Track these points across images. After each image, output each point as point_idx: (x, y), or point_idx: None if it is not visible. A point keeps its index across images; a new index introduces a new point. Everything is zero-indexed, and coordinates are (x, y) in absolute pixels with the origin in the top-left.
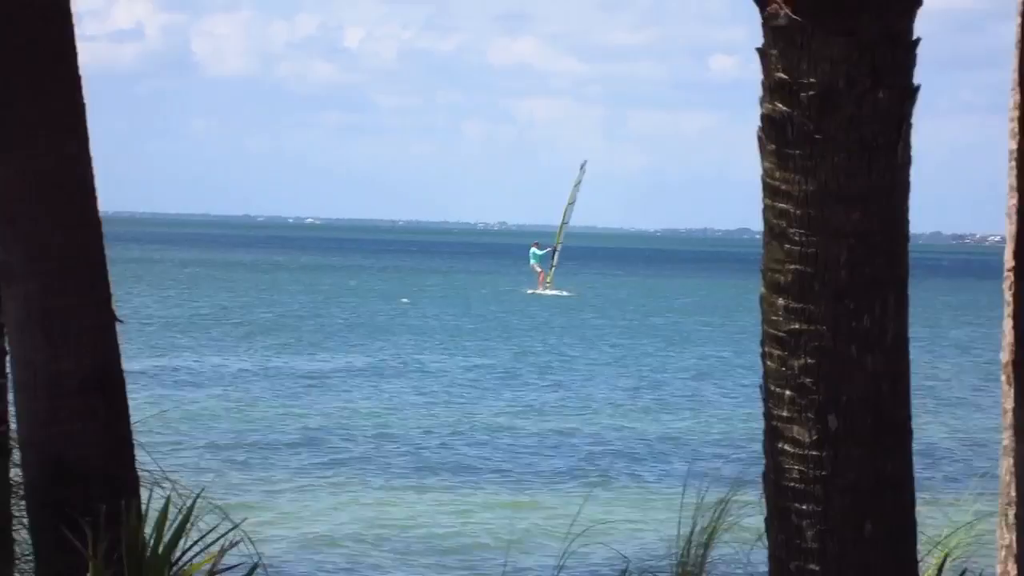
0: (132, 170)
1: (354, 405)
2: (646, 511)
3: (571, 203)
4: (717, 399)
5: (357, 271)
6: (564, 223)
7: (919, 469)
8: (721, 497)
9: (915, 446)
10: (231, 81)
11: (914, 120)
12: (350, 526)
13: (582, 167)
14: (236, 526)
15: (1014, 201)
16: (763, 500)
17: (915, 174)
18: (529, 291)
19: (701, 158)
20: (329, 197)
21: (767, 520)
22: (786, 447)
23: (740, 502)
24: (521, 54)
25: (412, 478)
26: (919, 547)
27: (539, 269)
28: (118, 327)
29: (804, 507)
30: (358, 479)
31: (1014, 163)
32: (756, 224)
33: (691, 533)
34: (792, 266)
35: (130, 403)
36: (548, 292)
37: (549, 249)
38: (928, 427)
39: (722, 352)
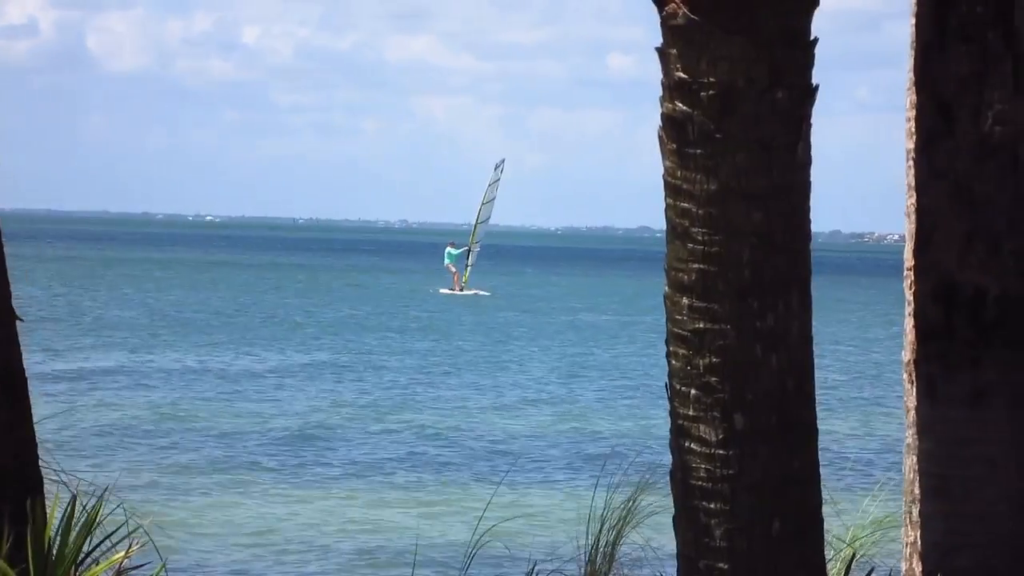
0: (27, 167)
1: (270, 405)
2: (554, 511)
3: (487, 201)
4: (631, 397)
5: (265, 268)
6: (480, 222)
7: (825, 468)
8: (628, 496)
9: (820, 444)
10: (128, 77)
11: (814, 120)
12: (257, 524)
13: (498, 166)
14: (140, 526)
15: (912, 200)
16: (671, 498)
17: (814, 174)
18: (444, 291)
19: (600, 157)
20: (228, 195)
21: (675, 519)
22: (693, 446)
23: (648, 501)
24: (419, 52)
25: (321, 478)
26: (827, 545)
27: (454, 269)
28: (19, 325)
29: (712, 505)
30: (269, 479)
31: (911, 162)
32: (657, 223)
33: (599, 532)
34: (695, 265)
35: (35, 402)
36: (464, 292)
37: (464, 248)
38: (834, 425)
39: (645, 350)
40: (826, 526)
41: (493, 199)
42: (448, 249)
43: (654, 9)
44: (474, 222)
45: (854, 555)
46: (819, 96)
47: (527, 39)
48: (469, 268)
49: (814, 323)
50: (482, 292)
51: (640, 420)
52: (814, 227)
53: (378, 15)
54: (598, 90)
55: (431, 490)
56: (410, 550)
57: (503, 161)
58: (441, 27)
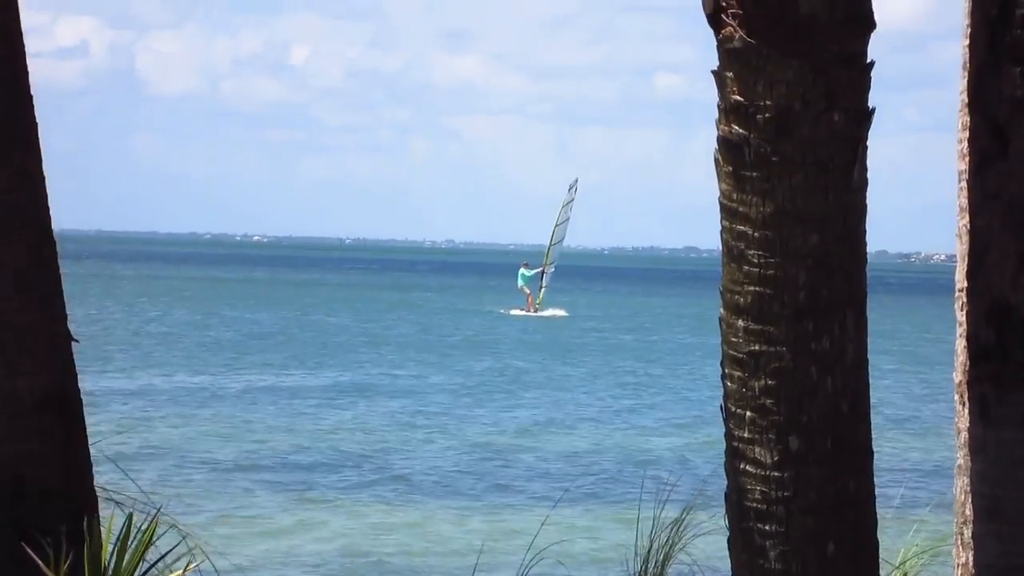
0: (76, 188)
1: (326, 422)
2: (604, 530)
3: (561, 223)
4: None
5: (329, 288)
6: (554, 243)
7: (879, 488)
8: (677, 516)
9: (876, 465)
10: (176, 98)
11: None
12: (311, 546)
13: (571, 187)
14: (196, 546)
15: (964, 221)
16: (725, 520)
17: None
18: (516, 311)
19: (647, 177)
20: (275, 215)
21: (730, 541)
22: (748, 467)
23: (698, 520)
24: (466, 72)
25: (378, 497)
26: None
27: (528, 290)
28: (74, 346)
29: (766, 527)
30: (323, 497)
31: (964, 184)
32: (703, 243)
33: (648, 552)
34: (751, 287)
35: (94, 420)
36: (540, 314)
37: (539, 270)
38: (889, 446)
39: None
40: (881, 548)
41: (568, 219)
42: (521, 270)
43: (707, 30)
44: (548, 243)
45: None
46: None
47: (575, 59)
48: (544, 289)
49: (869, 344)
50: (559, 312)
51: (697, 439)
52: None
53: (426, 35)
54: (646, 110)
55: (487, 509)
56: (464, 570)
57: (576, 181)
58: (488, 47)
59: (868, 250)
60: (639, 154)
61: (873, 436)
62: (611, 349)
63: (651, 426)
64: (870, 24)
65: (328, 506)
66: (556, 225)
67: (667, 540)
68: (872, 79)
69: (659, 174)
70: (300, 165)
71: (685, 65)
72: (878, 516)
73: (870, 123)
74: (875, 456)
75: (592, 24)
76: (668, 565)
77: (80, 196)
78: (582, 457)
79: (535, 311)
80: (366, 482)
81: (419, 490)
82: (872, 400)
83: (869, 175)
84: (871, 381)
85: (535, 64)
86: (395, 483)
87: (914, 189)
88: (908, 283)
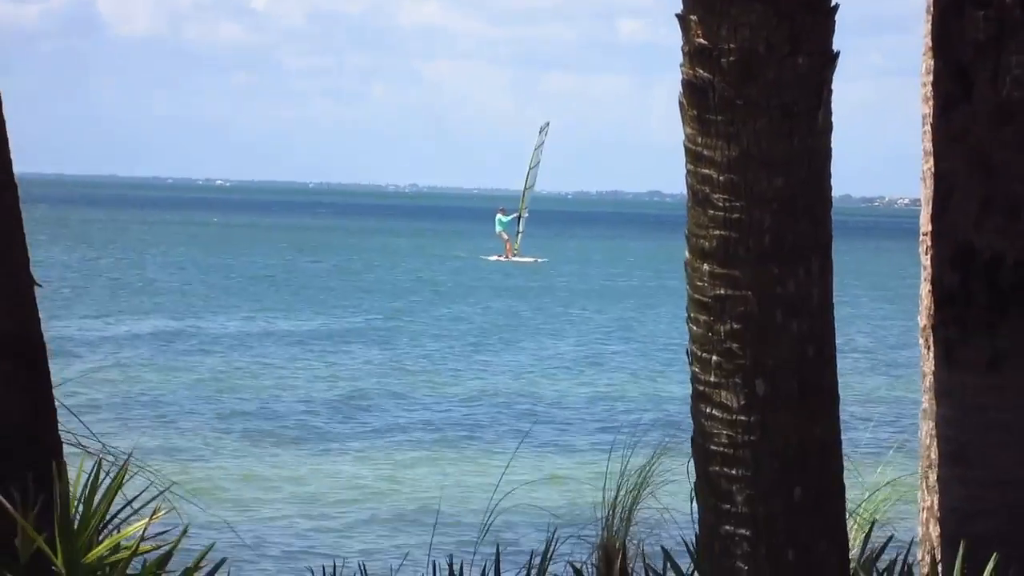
0: (38, 131)
1: (302, 371)
2: (572, 473)
3: (533, 166)
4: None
5: (300, 232)
6: (528, 187)
7: (847, 431)
8: (647, 460)
9: (844, 408)
10: (138, 42)
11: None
12: (283, 488)
13: (542, 129)
14: (164, 492)
15: (928, 165)
16: (691, 464)
17: None
18: (493, 258)
19: (610, 121)
20: (237, 159)
21: (695, 484)
22: (714, 412)
23: (667, 465)
24: (429, 16)
25: (345, 442)
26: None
27: (506, 236)
28: (37, 290)
29: (733, 471)
30: (297, 445)
31: (927, 127)
32: (667, 187)
33: (616, 496)
34: (716, 231)
35: (66, 366)
36: (519, 259)
37: (515, 215)
38: (859, 388)
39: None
40: (847, 492)
41: (539, 163)
42: (498, 216)
43: None
44: (523, 187)
45: (874, 523)
46: None
47: (537, 3)
48: (520, 235)
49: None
50: (540, 259)
51: (668, 384)
52: None
53: None
54: (608, 54)
55: (456, 452)
56: (431, 512)
57: (547, 124)
58: None
59: (833, 194)
60: (602, 99)
61: (841, 379)
62: (601, 293)
63: (642, 370)
64: None
65: (308, 454)
66: (529, 169)
67: (635, 485)
68: (836, 23)
69: (622, 119)
70: (262, 109)
71: (647, 10)
72: (845, 459)
73: (834, 67)
74: (843, 399)
75: None
76: (635, 510)
77: (41, 140)
78: (551, 403)
79: (513, 257)
80: (343, 432)
81: (396, 437)
82: (841, 342)
83: (834, 120)
84: (841, 323)
85: (497, 8)
86: (373, 433)
87: (878, 133)
88: (875, 227)
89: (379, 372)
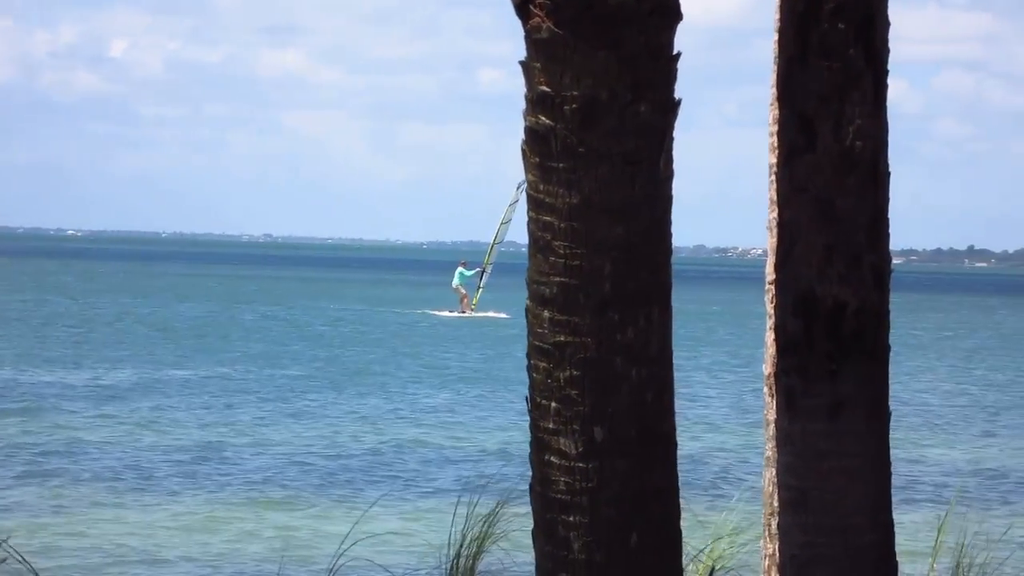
0: None
1: (166, 422)
2: (419, 523)
3: (504, 222)
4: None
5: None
6: (496, 242)
7: (696, 479)
8: (491, 508)
9: (683, 458)
10: None
11: (680, 135)
12: (119, 539)
13: (519, 186)
14: (4, 542)
15: (774, 215)
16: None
17: (681, 188)
18: (447, 313)
19: (468, 170)
20: (91, 209)
21: (534, 532)
22: (552, 459)
23: (511, 513)
24: (290, 66)
25: (184, 493)
26: (686, 558)
27: (463, 291)
28: None
29: (571, 518)
30: (133, 494)
31: (773, 177)
32: (522, 237)
33: (461, 544)
34: (557, 278)
35: None
36: (476, 315)
37: (478, 270)
38: (697, 438)
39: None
40: (688, 539)
41: (510, 220)
42: (460, 269)
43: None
44: (491, 242)
45: (713, 568)
46: (688, 112)
47: (399, 54)
48: (481, 290)
49: (681, 335)
50: (500, 315)
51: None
52: (679, 241)
53: (250, 29)
54: (468, 104)
55: (300, 504)
56: (273, 566)
57: (523, 182)
58: (313, 42)
59: (686, 244)
60: (460, 148)
61: (686, 425)
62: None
63: (484, 422)
64: (676, 15)
65: (141, 504)
66: (500, 224)
67: (480, 533)
68: (679, 71)
69: (480, 168)
70: (118, 158)
71: (506, 60)
72: (692, 507)
73: (676, 114)
74: (688, 446)
75: (415, 19)
76: (479, 558)
77: None
78: (402, 453)
79: (471, 312)
80: (162, 477)
81: (226, 489)
82: (678, 391)
83: (690, 170)
84: (690, 373)
85: (358, 59)
86: (203, 482)
87: (733, 184)
88: (727, 276)
89: (218, 424)
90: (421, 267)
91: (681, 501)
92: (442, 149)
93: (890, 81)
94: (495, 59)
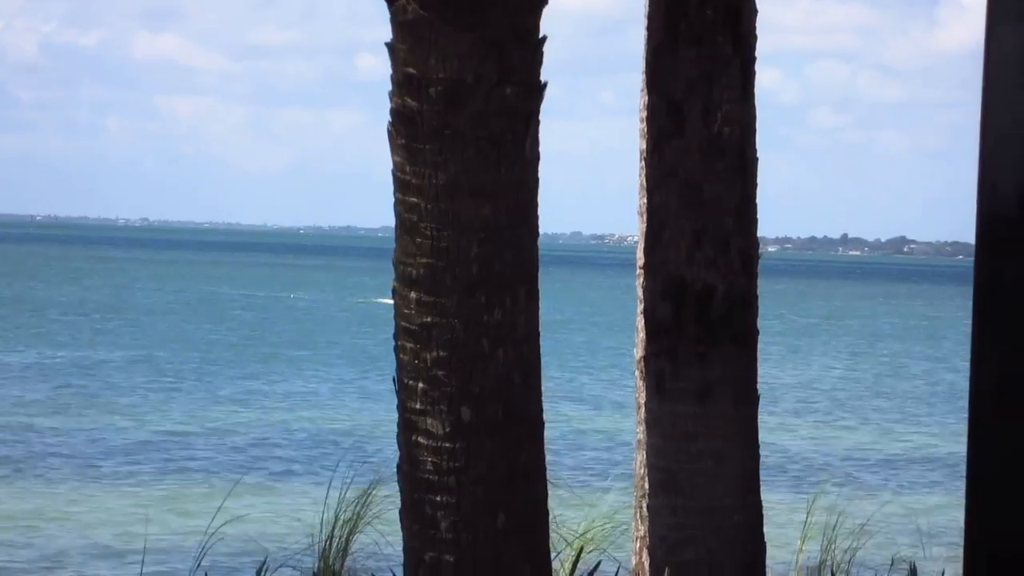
0: None
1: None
2: (291, 505)
3: None
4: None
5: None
6: None
7: (560, 464)
8: (364, 489)
9: (557, 440)
10: None
11: (558, 123)
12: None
13: None
14: None
15: (644, 200)
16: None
17: (557, 176)
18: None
19: (346, 156)
20: None
21: (401, 512)
22: (420, 439)
23: (384, 494)
24: (167, 51)
25: (54, 474)
26: (558, 540)
27: None
28: None
29: (438, 498)
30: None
31: (643, 163)
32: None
33: (333, 525)
34: (423, 260)
35: None
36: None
37: None
38: (569, 421)
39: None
40: (562, 520)
41: None
42: None
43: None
44: None
45: (581, 549)
46: (563, 99)
47: (278, 39)
48: None
49: (546, 317)
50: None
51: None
52: (555, 228)
53: (127, 13)
54: (347, 90)
55: (165, 487)
56: (139, 547)
57: None
58: (191, 26)
59: (563, 231)
60: (338, 133)
61: (555, 406)
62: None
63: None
64: (542, 0)
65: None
66: None
67: (352, 515)
68: (544, 55)
69: (357, 154)
70: None
71: (384, 47)
72: (564, 490)
73: (542, 97)
74: (561, 427)
75: (294, 4)
76: (352, 539)
77: None
78: (263, 436)
79: None
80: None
81: (93, 468)
82: (547, 374)
83: (567, 157)
84: (557, 353)
85: (237, 43)
86: (77, 460)
87: (610, 172)
88: (604, 263)
89: (77, 403)
90: (300, 251)
91: (553, 483)
92: (321, 135)
93: (764, 70)
94: (374, 45)
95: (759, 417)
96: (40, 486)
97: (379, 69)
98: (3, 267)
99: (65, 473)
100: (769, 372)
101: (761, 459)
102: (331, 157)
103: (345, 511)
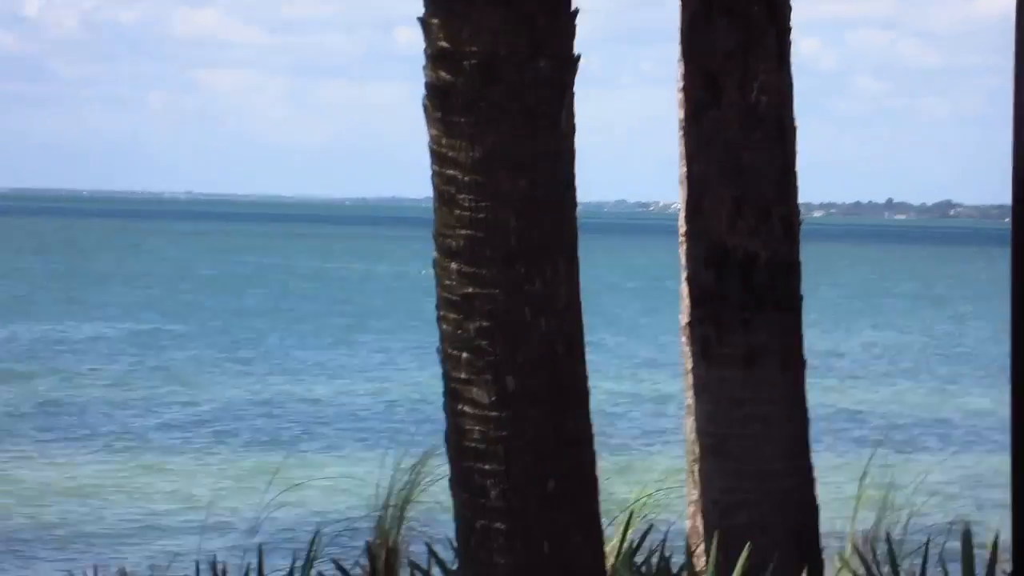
0: None
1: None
2: (350, 472)
3: None
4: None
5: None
6: None
7: (618, 427)
8: (420, 458)
9: (605, 407)
10: None
11: (601, 92)
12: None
13: None
14: None
15: (684, 169)
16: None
17: (600, 145)
18: None
19: (388, 129)
20: (9, 168)
21: (450, 480)
22: (466, 408)
23: (439, 463)
24: (206, 25)
25: (111, 446)
26: (611, 505)
27: None
28: None
29: (487, 467)
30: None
31: (682, 132)
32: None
33: (389, 494)
34: (462, 231)
35: None
36: None
37: None
38: (628, 385)
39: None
40: (611, 486)
41: None
42: None
43: None
44: None
45: (632, 514)
46: (605, 70)
47: (316, 12)
48: None
49: (594, 284)
50: None
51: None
52: (600, 196)
53: None
54: (386, 63)
55: (225, 458)
56: (199, 515)
57: None
58: (229, 1)
59: (607, 199)
60: (380, 106)
61: (601, 375)
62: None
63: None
64: None
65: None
66: None
67: (407, 483)
68: (577, 27)
69: (399, 126)
70: (36, 117)
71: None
72: (615, 456)
73: (576, 70)
74: (611, 394)
75: None
76: (407, 508)
77: None
78: (328, 406)
79: None
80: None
81: (153, 440)
82: (593, 341)
83: (610, 128)
84: (591, 323)
85: (274, 17)
86: (127, 436)
87: (652, 140)
88: (648, 229)
89: (153, 375)
90: (346, 222)
91: (602, 449)
92: (362, 107)
93: (802, 38)
94: (411, 19)
95: (808, 381)
96: (103, 457)
97: (418, 43)
98: (78, 242)
99: (133, 444)
100: (827, 336)
101: (817, 422)
102: (374, 129)
103: (400, 480)
